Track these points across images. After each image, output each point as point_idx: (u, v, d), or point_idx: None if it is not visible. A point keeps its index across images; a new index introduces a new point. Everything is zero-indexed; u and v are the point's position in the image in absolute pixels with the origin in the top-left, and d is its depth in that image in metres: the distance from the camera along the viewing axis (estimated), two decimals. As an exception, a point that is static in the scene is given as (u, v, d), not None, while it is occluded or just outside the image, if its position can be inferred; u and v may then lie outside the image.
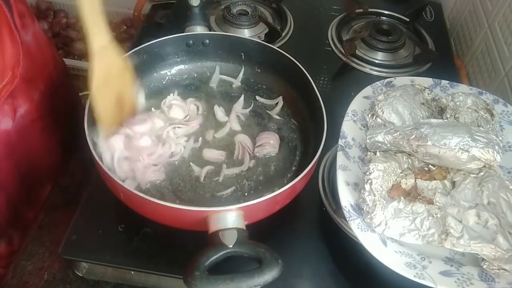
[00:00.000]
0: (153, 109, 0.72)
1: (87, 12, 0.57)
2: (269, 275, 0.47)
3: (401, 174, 0.60)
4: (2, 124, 0.68)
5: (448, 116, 0.68)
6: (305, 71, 0.70)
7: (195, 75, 0.80)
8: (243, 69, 0.79)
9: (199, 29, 0.79)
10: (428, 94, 0.72)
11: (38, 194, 0.78)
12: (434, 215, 0.56)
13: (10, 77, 0.65)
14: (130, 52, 0.71)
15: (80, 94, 0.97)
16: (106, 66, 0.61)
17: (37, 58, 0.73)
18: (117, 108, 0.65)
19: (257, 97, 0.77)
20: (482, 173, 0.60)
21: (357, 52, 0.95)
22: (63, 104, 0.83)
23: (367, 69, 0.94)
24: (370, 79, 0.84)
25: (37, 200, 0.78)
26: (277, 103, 0.76)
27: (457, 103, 0.68)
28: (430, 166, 0.62)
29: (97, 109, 0.61)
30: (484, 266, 0.55)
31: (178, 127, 0.70)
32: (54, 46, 1.45)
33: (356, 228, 0.56)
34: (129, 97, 0.67)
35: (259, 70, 0.79)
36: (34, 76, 0.72)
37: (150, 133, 0.67)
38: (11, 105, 0.68)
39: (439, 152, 0.59)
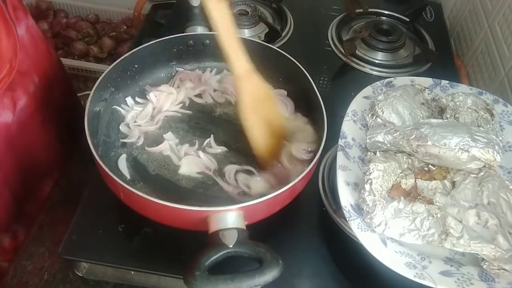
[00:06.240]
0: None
1: (225, 38, 0.59)
2: (270, 275, 0.47)
3: (401, 174, 0.60)
4: (2, 117, 0.68)
5: (448, 116, 0.68)
6: (305, 71, 0.70)
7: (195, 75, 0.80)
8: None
9: (200, 29, 0.78)
10: (428, 94, 0.72)
11: (40, 189, 0.79)
12: (434, 215, 0.56)
13: (8, 69, 0.65)
14: (130, 52, 0.71)
15: (79, 94, 0.97)
16: (252, 92, 0.62)
17: (30, 51, 0.73)
18: (269, 136, 0.65)
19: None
20: (482, 173, 0.60)
21: (357, 52, 0.95)
22: (60, 98, 0.83)
23: (367, 69, 0.94)
24: (370, 79, 0.84)
25: (39, 195, 0.78)
26: None
27: (457, 103, 0.68)
28: (430, 166, 0.62)
29: (254, 138, 0.62)
30: (484, 266, 0.55)
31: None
32: (54, 45, 1.46)
33: (356, 228, 0.56)
34: (278, 125, 0.66)
35: (258, 70, 0.79)
36: (28, 69, 0.72)
37: None
38: (10, 98, 0.69)
39: (439, 152, 0.59)
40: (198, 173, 0.66)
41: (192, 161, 0.67)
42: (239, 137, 0.67)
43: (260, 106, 0.63)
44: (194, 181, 0.65)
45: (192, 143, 0.69)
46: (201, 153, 0.67)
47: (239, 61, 0.61)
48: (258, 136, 0.64)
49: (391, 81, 0.76)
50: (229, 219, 0.51)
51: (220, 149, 0.69)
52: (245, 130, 0.63)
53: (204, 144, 0.69)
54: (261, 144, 0.64)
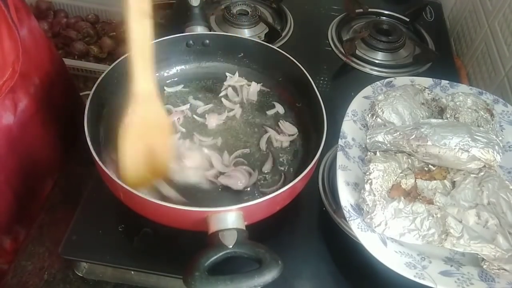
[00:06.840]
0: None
1: (137, 55, 0.53)
2: (269, 276, 0.47)
3: (401, 174, 0.60)
4: (3, 119, 0.68)
5: (448, 116, 0.68)
6: (305, 71, 0.70)
7: (195, 75, 0.80)
8: (242, 69, 0.79)
9: (199, 29, 0.79)
10: (428, 94, 0.72)
11: (41, 190, 0.78)
12: (434, 215, 0.56)
13: (11, 72, 0.65)
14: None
15: (80, 94, 0.97)
16: (145, 115, 0.56)
17: (32, 52, 0.73)
18: (147, 164, 0.59)
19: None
20: (482, 173, 0.60)
21: (357, 52, 0.95)
22: (61, 98, 0.83)
23: (367, 69, 0.94)
24: (370, 79, 0.84)
25: (40, 195, 0.78)
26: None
27: (457, 103, 0.68)
28: (430, 166, 0.62)
29: (124, 159, 0.57)
30: (484, 266, 0.55)
31: None
32: (53, 44, 1.45)
33: (356, 228, 0.56)
34: (162, 156, 0.61)
35: (258, 70, 0.79)
36: (29, 71, 0.72)
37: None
38: (12, 100, 0.69)
39: (439, 152, 0.59)
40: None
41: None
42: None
43: (149, 134, 0.58)
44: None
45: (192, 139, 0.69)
46: (204, 149, 0.67)
47: (145, 81, 0.55)
48: (131, 160, 0.58)
49: (391, 81, 0.76)
50: (228, 219, 0.51)
51: (214, 141, 0.69)
52: (117, 147, 0.57)
53: (198, 138, 0.70)
54: (131, 168, 0.58)
